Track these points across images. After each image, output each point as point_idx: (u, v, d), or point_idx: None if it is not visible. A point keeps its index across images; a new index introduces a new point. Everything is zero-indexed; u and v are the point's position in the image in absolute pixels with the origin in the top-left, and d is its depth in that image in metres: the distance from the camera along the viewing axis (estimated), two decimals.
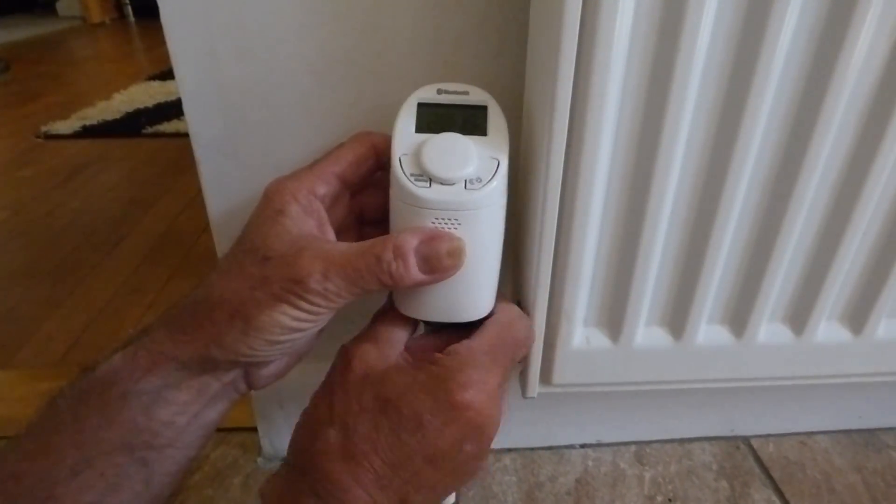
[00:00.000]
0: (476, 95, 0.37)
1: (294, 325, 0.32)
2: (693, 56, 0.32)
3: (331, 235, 0.36)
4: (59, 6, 3.62)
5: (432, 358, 0.34)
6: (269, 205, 0.34)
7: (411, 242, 0.32)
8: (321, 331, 0.39)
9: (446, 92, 0.37)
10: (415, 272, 0.32)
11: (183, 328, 0.33)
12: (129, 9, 3.57)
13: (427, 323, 0.40)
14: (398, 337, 0.37)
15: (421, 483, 0.32)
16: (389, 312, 0.38)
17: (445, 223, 0.33)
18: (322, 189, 0.36)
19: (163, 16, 0.38)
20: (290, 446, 0.35)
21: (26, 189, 1.29)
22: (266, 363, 0.36)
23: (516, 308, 0.39)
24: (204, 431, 0.36)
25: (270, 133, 0.43)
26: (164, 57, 0.39)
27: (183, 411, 0.34)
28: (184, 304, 0.34)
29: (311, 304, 0.31)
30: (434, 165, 0.33)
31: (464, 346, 0.35)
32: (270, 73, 0.41)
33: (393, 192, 0.34)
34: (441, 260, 0.33)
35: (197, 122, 0.42)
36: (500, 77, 0.41)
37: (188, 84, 0.40)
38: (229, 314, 0.32)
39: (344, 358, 0.35)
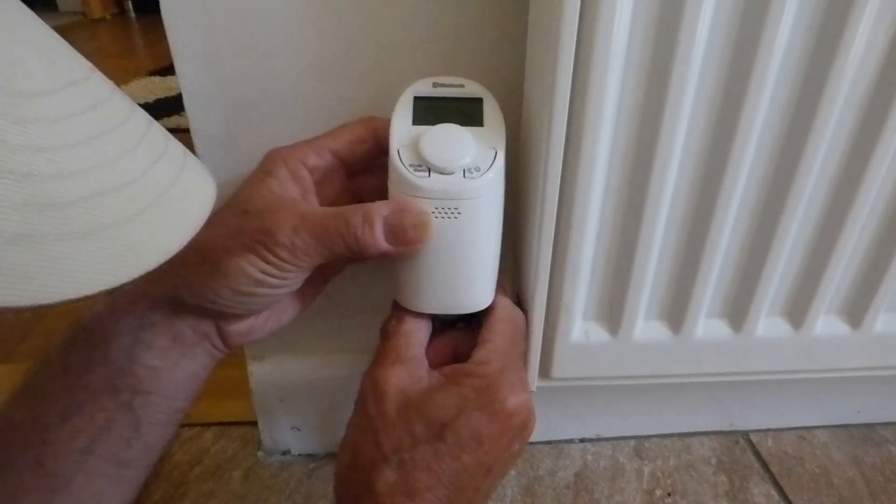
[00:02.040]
0: (471, 88, 0.37)
1: (259, 276, 0.33)
2: (692, 49, 0.32)
3: (314, 204, 0.37)
4: (60, 1, 3.61)
5: (468, 371, 0.34)
6: (261, 167, 0.36)
7: (381, 210, 0.33)
8: (301, 302, 0.40)
9: (442, 85, 0.37)
10: (380, 239, 0.33)
11: (158, 269, 0.34)
12: (130, 4, 3.56)
13: (433, 318, 0.40)
14: (419, 352, 0.37)
15: (481, 493, 0.34)
16: (399, 326, 0.38)
17: (445, 212, 0.34)
18: (313, 160, 0.37)
19: (163, 11, 0.38)
20: (340, 491, 0.35)
21: None
22: (236, 319, 0.37)
23: (508, 300, 0.40)
24: (188, 384, 0.37)
25: (271, 128, 0.43)
26: (165, 53, 0.39)
27: (162, 356, 0.35)
28: None
29: (278, 257, 0.32)
30: (433, 155, 0.33)
31: (490, 351, 0.35)
32: (271, 68, 0.41)
33: (392, 183, 0.35)
34: (405, 231, 0.33)
35: (198, 117, 0.42)
36: (499, 71, 0.41)
37: (189, 79, 0.41)
38: (200, 258, 0.33)
39: (375, 387, 0.34)
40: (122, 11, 3.62)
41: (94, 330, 0.34)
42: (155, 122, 0.24)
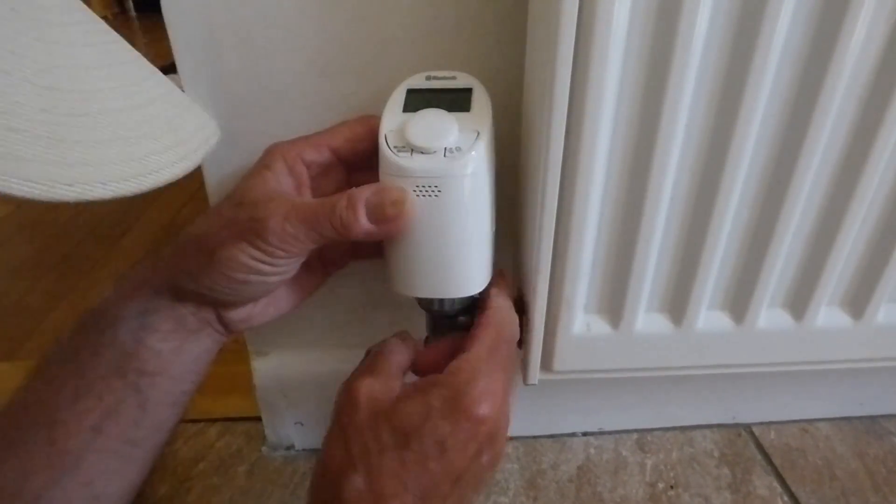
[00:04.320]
0: (463, 80, 0.38)
1: (251, 263, 0.34)
2: (691, 41, 0.32)
3: (307, 197, 0.38)
4: None
5: (437, 380, 0.34)
6: (260, 162, 0.38)
7: (364, 193, 0.34)
8: (300, 291, 0.41)
9: (435, 78, 0.39)
10: (363, 220, 0.34)
11: (160, 258, 0.37)
12: (131, 3, 3.56)
13: (427, 317, 0.40)
14: (397, 365, 0.38)
15: (450, 503, 0.33)
16: (382, 346, 0.39)
17: (427, 191, 0.34)
18: (310, 156, 0.38)
19: (164, 9, 0.38)
20: (311, 495, 0.35)
21: None
22: (234, 306, 0.38)
23: (506, 301, 0.40)
24: (193, 367, 0.38)
25: (272, 124, 0.43)
26: (166, 51, 0.40)
27: (166, 339, 0.36)
28: (170, 240, 0.37)
29: (268, 244, 0.33)
30: (415, 136, 0.34)
31: (464, 360, 0.35)
32: (271, 64, 0.41)
33: (380, 167, 0.36)
34: (384, 209, 0.34)
35: None
36: (499, 66, 0.41)
37: (190, 77, 0.41)
38: (197, 247, 0.35)
39: (349, 395, 0.35)
40: (123, 11, 3.62)
41: (103, 315, 0.36)
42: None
